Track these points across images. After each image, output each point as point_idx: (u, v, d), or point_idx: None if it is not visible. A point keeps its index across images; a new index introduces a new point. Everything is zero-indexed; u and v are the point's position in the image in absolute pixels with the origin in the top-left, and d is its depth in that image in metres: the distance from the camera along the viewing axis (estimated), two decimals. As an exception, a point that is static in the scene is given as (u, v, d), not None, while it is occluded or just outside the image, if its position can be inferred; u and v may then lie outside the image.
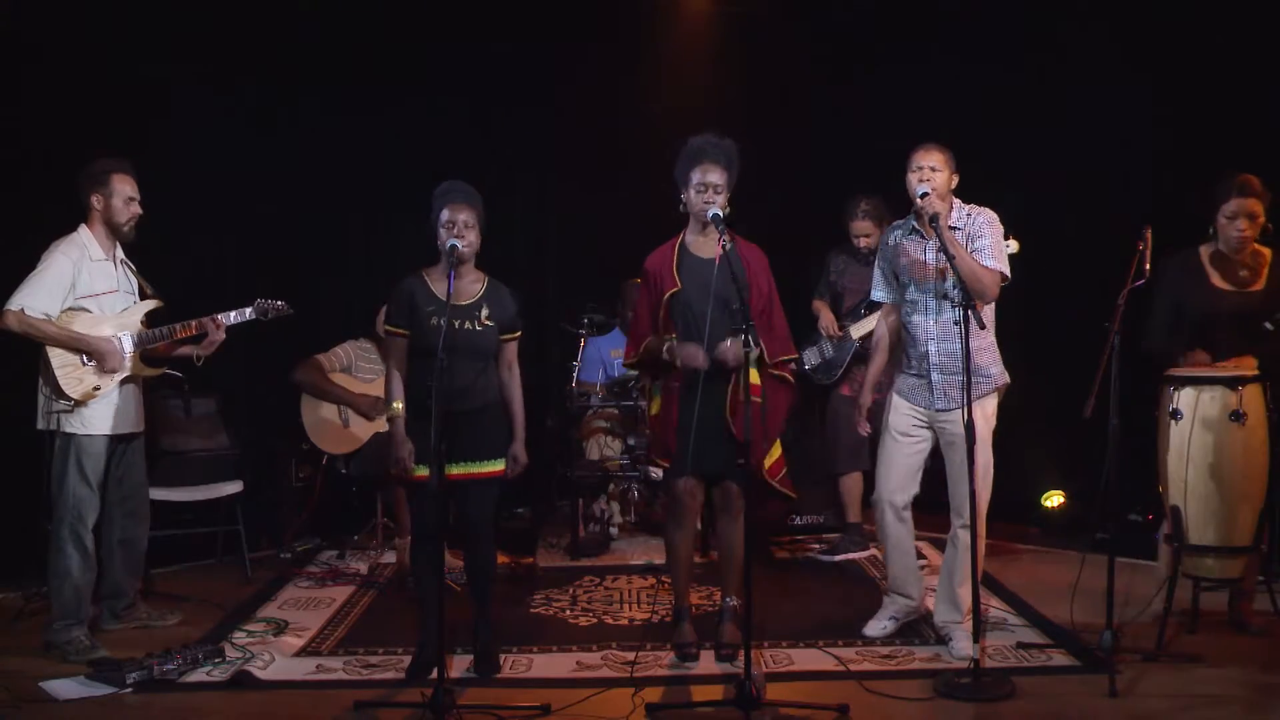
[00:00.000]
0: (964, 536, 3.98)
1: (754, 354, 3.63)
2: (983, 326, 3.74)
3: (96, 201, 4.28)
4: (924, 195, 3.91)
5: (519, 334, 4.04)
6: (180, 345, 4.45)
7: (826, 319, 5.49)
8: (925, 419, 4.10)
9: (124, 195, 4.29)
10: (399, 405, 3.86)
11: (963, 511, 3.95)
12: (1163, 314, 4.29)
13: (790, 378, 4.11)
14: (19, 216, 4.94)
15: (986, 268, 3.90)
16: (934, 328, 4.04)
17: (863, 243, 5.33)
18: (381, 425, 5.42)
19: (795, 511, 5.67)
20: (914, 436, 4.11)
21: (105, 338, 4.23)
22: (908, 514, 4.17)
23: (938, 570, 4.29)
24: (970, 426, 3.69)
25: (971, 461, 3.74)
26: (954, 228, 3.99)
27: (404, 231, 6.48)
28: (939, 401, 4.05)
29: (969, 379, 3.71)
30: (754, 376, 3.84)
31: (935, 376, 4.04)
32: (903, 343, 4.19)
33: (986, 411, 4.01)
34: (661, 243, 4.10)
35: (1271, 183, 4.24)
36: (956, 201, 4.06)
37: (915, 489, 4.17)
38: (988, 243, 3.96)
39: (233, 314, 4.45)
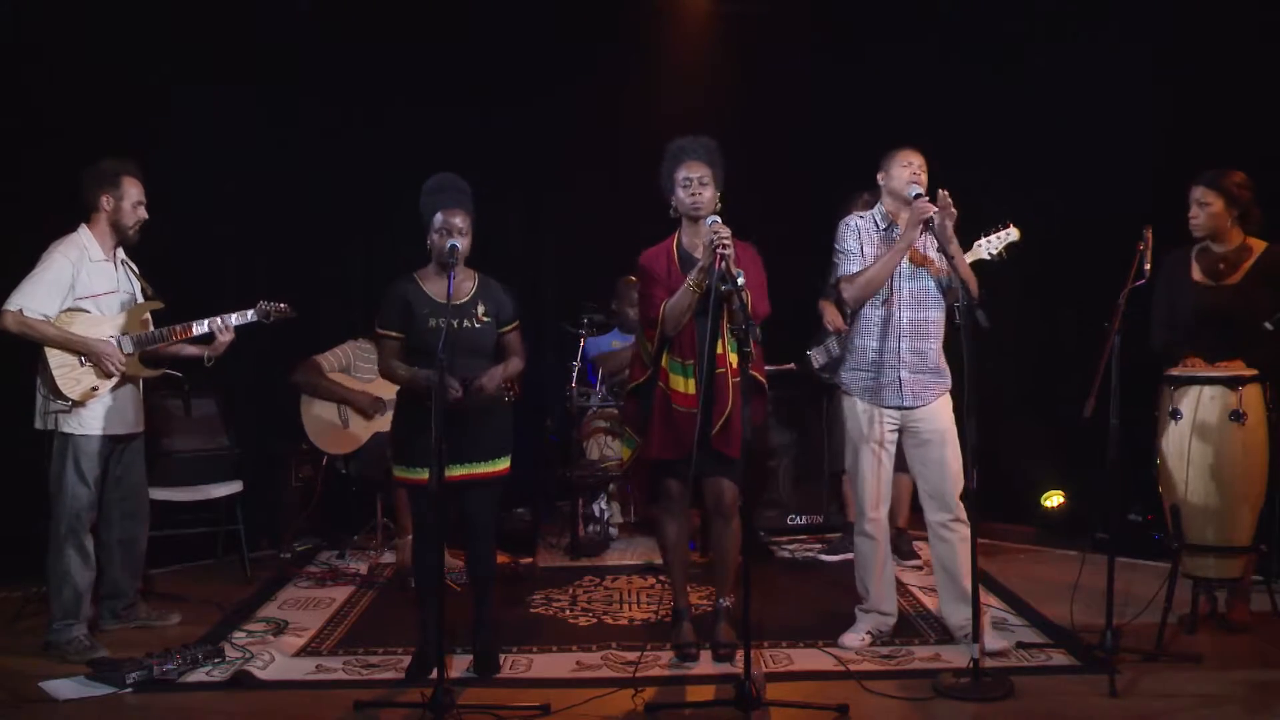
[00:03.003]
0: (961, 530, 3.97)
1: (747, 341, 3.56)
2: (986, 325, 3.73)
3: (106, 202, 4.26)
4: (917, 195, 3.90)
5: (518, 323, 4.01)
6: (180, 346, 4.44)
7: (830, 314, 5.47)
8: (897, 421, 4.07)
9: (133, 199, 4.28)
10: (409, 371, 3.80)
11: (949, 506, 3.97)
12: (1158, 310, 4.30)
13: (764, 381, 4.06)
14: (18, 217, 4.94)
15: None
16: (907, 325, 4.02)
17: None
18: (381, 425, 5.42)
19: (795, 511, 5.67)
20: (891, 442, 4.08)
21: (104, 339, 4.22)
22: (887, 528, 4.17)
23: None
24: (970, 425, 3.70)
25: (970, 459, 3.76)
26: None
27: (404, 232, 6.47)
28: (908, 400, 4.03)
29: (970, 379, 3.70)
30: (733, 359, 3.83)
31: (904, 374, 4.02)
32: (855, 335, 4.12)
33: (949, 409, 4.06)
34: (655, 243, 4.07)
35: (1271, 182, 4.23)
36: None
37: (890, 501, 4.17)
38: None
39: (234, 316, 4.43)
